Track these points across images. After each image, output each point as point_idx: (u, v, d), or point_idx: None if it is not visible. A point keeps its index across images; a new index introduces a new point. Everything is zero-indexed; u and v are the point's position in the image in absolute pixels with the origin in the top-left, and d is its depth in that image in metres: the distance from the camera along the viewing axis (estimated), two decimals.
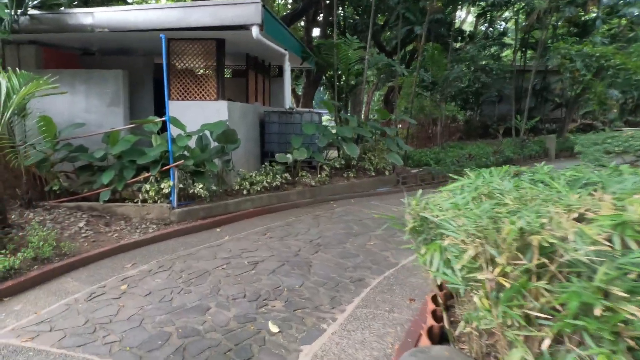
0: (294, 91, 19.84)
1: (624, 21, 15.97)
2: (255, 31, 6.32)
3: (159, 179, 5.77)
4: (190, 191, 5.84)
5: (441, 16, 15.18)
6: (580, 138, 6.45)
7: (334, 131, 8.23)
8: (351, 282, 3.90)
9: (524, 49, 16.79)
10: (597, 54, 12.58)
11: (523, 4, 15.31)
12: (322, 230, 5.59)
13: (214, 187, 6.10)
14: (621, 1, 15.07)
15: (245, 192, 6.48)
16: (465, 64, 16.50)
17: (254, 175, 6.78)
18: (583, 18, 15.53)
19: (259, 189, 6.62)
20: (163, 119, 5.72)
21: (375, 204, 7.27)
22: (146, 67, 8.46)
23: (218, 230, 5.66)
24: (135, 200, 5.71)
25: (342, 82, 10.22)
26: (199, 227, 5.62)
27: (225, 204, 6.12)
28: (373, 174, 8.38)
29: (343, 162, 8.06)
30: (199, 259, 4.53)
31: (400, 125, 13.45)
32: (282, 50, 8.52)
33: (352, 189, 7.91)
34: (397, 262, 4.41)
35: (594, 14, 15.08)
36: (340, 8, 16.77)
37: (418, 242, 2.28)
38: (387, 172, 8.58)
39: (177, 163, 5.60)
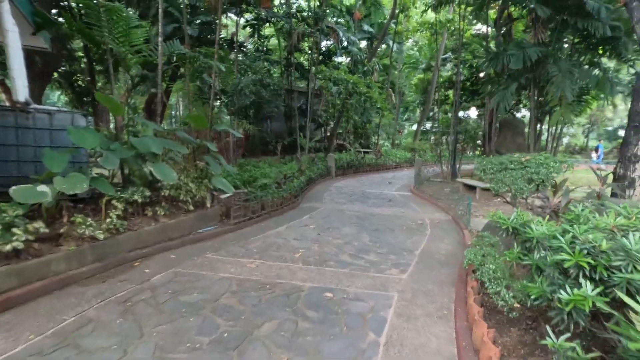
0: (2, 83, 13.28)
1: (348, 58, 18.98)
2: None
3: None
4: None
5: (210, 19, 13.53)
6: (479, 160, 6.04)
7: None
8: None
9: (289, 69, 17.36)
10: (351, 81, 14.04)
11: (282, 23, 15.76)
12: (160, 345, 2.66)
13: None
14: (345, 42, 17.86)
15: None
16: (250, 75, 15.48)
17: None
18: (326, 47, 17.53)
19: None
20: None
21: (213, 257, 4.63)
22: None
23: None
24: None
25: (120, 71, 6.79)
26: None
27: None
28: (191, 207, 5.59)
29: (148, 193, 4.91)
30: None
31: None
32: None
33: (165, 234, 4.91)
34: None
35: (333, 44, 17.38)
36: None
37: None
38: (208, 204, 5.97)
39: None
